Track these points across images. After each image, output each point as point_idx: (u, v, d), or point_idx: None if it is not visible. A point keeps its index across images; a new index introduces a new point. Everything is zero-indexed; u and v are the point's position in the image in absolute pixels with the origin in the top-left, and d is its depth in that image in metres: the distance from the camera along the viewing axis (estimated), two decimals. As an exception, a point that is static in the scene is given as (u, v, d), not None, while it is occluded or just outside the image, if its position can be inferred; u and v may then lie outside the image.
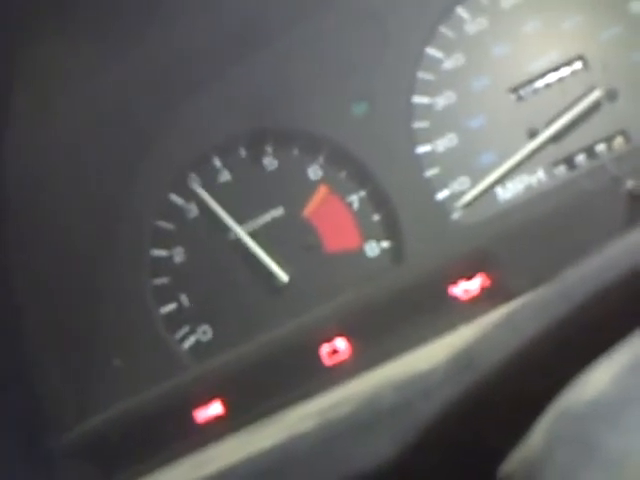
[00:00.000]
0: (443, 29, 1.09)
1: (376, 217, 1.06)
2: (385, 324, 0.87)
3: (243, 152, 1.11)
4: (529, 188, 1.03)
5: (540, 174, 1.04)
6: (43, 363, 0.96)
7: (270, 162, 1.10)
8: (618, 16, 1.05)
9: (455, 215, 1.04)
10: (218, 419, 0.89)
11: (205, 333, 1.07)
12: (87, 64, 0.98)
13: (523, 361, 0.46)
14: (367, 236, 1.06)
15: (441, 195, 1.05)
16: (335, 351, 0.89)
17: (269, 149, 1.10)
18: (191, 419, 0.89)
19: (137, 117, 1.07)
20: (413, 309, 0.87)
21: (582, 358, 0.42)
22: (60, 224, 1.01)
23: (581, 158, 1.03)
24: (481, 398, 0.46)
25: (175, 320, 1.07)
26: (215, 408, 0.89)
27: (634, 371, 0.37)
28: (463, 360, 0.47)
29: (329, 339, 0.89)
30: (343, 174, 1.08)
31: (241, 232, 1.07)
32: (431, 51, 1.09)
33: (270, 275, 1.06)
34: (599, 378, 0.39)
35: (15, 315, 0.94)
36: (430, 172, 1.05)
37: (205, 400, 0.89)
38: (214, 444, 0.82)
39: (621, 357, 0.39)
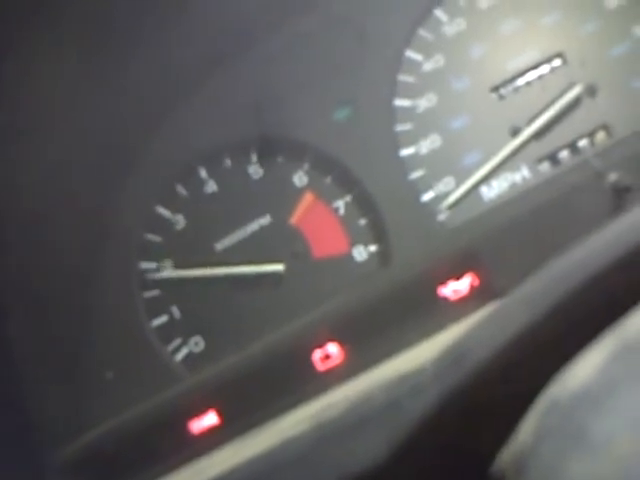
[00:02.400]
0: (422, 31, 1.10)
1: (362, 221, 1.06)
2: (376, 327, 0.87)
3: (228, 162, 1.11)
4: (514, 186, 1.04)
5: (524, 171, 1.04)
6: (36, 379, 0.96)
7: (255, 171, 1.10)
8: (594, 12, 1.06)
9: (441, 216, 1.04)
10: (213, 429, 0.89)
11: (197, 344, 1.07)
12: (73, 80, 0.99)
13: (511, 356, 0.46)
14: (354, 241, 1.06)
15: (426, 197, 1.05)
16: (327, 356, 0.89)
17: (254, 158, 1.11)
18: (186, 430, 0.89)
19: (122, 131, 1.07)
20: (403, 311, 0.87)
21: (569, 350, 0.43)
22: (48, 240, 1.01)
23: (564, 154, 1.04)
24: (470, 394, 0.46)
25: (167, 332, 1.07)
26: (210, 418, 0.89)
27: (617, 359, 0.38)
28: (451, 357, 0.48)
29: (321, 345, 0.89)
30: (328, 180, 1.09)
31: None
32: (411, 54, 1.09)
33: (259, 284, 1.06)
34: (584, 368, 0.39)
35: (6, 332, 0.94)
36: (415, 174, 1.06)
37: (200, 411, 0.89)
38: (210, 453, 0.82)
39: (606, 346, 0.40)
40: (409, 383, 0.48)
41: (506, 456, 0.43)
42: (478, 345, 0.46)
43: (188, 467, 0.82)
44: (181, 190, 1.11)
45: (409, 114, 1.08)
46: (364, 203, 1.06)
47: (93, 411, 0.99)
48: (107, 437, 0.90)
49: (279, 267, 1.06)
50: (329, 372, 0.88)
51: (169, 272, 1.09)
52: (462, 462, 0.46)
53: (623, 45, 1.05)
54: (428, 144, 1.07)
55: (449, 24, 1.09)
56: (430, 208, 1.05)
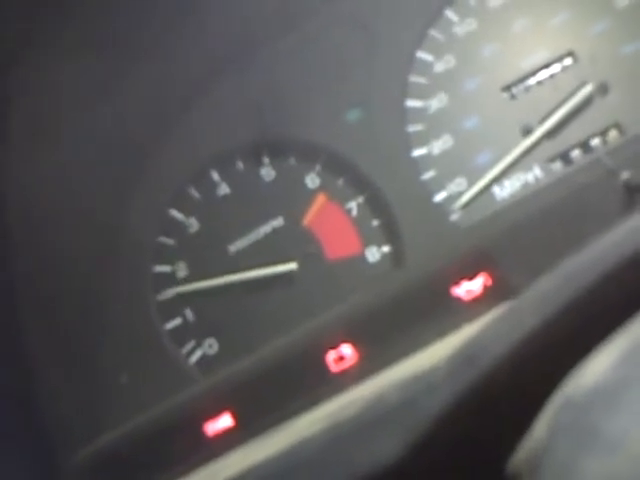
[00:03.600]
0: (433, 32, 1.10)
1: (375, 222, 1.07)
2: (390, 328, 0.87)
3: (240, 164, 1.12)
4: (526, 185, 1.04)
5: (536, 171, 1.04)
6: (52, 383, 0.96)
7: (268, 173, 1.11)
8: (605, 10, 1.06)
9: (454, 216, 1.04)
10: (228, 431, 0.89)
11: (211, 346, 1.07)
12: (85, 84, 0.99)
13: (524, 355, 0.46)
14: (367, 241, 1.06)
15: (439, 197, 1.05)
16: (341, 357, 0.89)
17: (266, 160, 1.11)
18: (201, 432, 0.89)
19: (134, 135, 1.08)
20: (417, 312, 0.87)
21: (583, 348, 0.43)
22: (63, 244, 1.02)
23: (576, 153, 1.04)
24: (485, 393, 0.46)
25: (181, 335, 1.08)
26: (225, 420, 0.89)
27: (631, 357, 0.38)
28: (465, 356, 0.47)
29: (335, 346, 0.89)
30: (341, 181, 1.09)
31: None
32: (422, 55, 1.09)
33: (272, 285, 1.06)
34: (598, 365, 0.39)
35: (22, 336, 0.95)
36: (427, 175, 1.06)
37: (215, 413, 0.89)
38: (225, 455, 0.83)
39: (620, 344, 0.40)
40: (423, 382, 0.48)
41: (521, 454, 0.43)
42: (491, 344, 0.46)
43: (203, 469, 0.83)
44: (194, 193, 1.11)
45: (421, 115, 1.08)
46: (377, 204, 1.06)
47: (108, 414, 0.99)
48: (122, 440, 0.90)
49: (292, 267, 1.06)
50: (343, 373, 0.88)
51: (182, 275, 1.09)
52: (477, 460, 0.46)
53: (634, 43, 1.05)
54: (440, 144, 1.07)
55: (460, 24, 1.09)
56: (443, 208, 1.05)
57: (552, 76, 1.06)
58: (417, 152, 1.07)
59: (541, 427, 0.40)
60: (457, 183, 1.05)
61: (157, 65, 1.06)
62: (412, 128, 1.08)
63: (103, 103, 1.02)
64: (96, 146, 1.04)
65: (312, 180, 1.09)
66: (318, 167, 1.09)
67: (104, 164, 1.05)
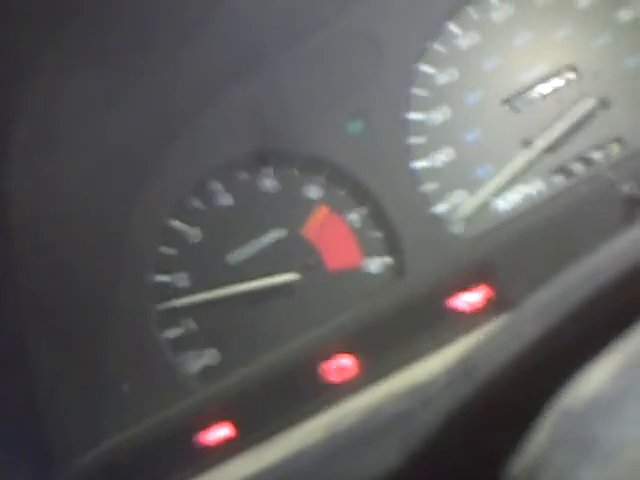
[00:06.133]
0: (435, 45, 1.10)
1: (376, 234, 1.07)
2: (390, 340, 0.88)
3: (243, 175, 1.12)
4: (527, 198, 1.04)
5: (538, 184, 1.04)
6: (51, 391, 0.96)
7: (270, 183, 1.11)
8: (607, 25, 1.06)
9: (454, 228, 1.05)
10: (228, 441, 0.89)
11: (213, 357, 1.07)
12: (88, 98, 0.99)
13: (522, 366, 0.46)
14: (368, 253, 1.07)
15: (440, 209, 1.05)
16: (341, 368, 0.89)
17: (268, 171, 1.11)
18: (201, 442, 0.90)
19: (137, 145, 1.08)
20: (417, 323, 0.87)
21: (581, 359, 0.43)
22: (64, 254, 1.02)
23: (578, 166, 1.04)
24: (482, 405, 0.46)
25: (182, 345, 1.08)
26: (224, 430, 0.89)
27: (629, 368, 0.38)
28: (463, 368, 0.48)
29: (335, 356, 0.89)
30: (343, 193, 1.09)
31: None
32: (424, 67, 1.10)
33: (273, 296, 1.07)
34: (597, 376, 0.39)
35: (23, 344, 0.95)
36: (428, 187, 1.06)
37: (214, 423, 0.89)
38: (225, 465, 0.83)
39: (619, 354, 0.40)
40: (421, 394, 0.49)
41: (518, 465, 0.43)
42: (490, 356, 0.46)
43: (202, 479, 0.83)
44: (196, 203, 1.12)
45: (422, 127, 1.08)
46: (378, 216, 1.06)
47: (109, 423, 0.99)
48: (122, 448, 0.90)
49: (293, 278, 1.06)
50: (342, 384, 0.88)
51: (183, 285, 1.10)
52: (475, 472, 0.46)
53: (636, 58, 1.05)
54: (441, 157, 1.07)
55: (463, 37, 1.10)
56: (443, 220, 1.05)
57: (554, 90, 1.06)
58: (418, 164, 1.07)
59: (539, 437, 0.41)
60: (458, 195, 1.06)
61: (160, 77, 1.06)
62: (413, 140, 1.08)
63: (106, 115, 1.03)
64: (98, 157, 1.04)
65: (314, 191, 1.10)
66: (321, 178, 1.10)
67: (106, 175, 1.06)
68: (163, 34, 1.03)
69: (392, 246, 1.05)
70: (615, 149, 1.03)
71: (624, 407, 0.36)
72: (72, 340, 1.03)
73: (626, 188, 0.85)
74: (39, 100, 0.95)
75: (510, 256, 0.87)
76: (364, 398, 0.77)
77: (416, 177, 1.06)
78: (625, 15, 1.06)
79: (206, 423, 0.90)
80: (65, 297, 1.03)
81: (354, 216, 1.08)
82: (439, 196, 1.06)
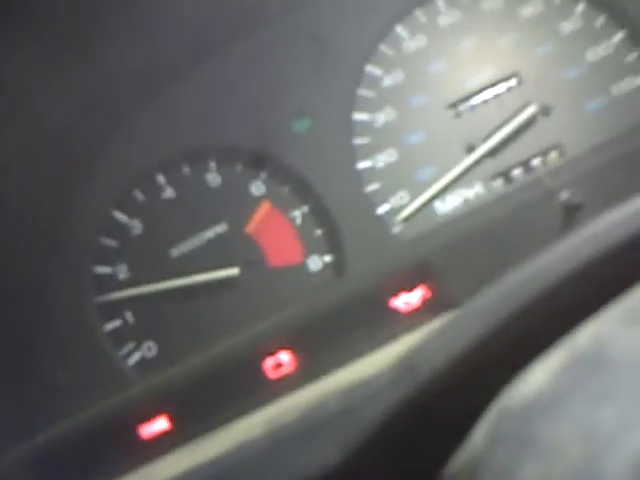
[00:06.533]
0: (382, 47, 1.11)
1: (318, 232, 1.07)
2: (328, 337, 0.88)
3: (186, 169, 1.11)
4: (467, 201, 1.06)
5: (478, 188, 1.06)
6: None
7: (213, 178, 1.11)
8: (550, 35, 1.08)
9: (395, 229, 1.06)
10: (164, 434, 0.89)
11: (150, 349, 1.06)
12: (31, 81, 0.98)
13: (463, 365, 0.47)
14: (310, 250, 1.07)
15: (381, 209, 1.06)
16: (279, 364, 0.89)
17: (212, 165, 1.11)
18: (137, 435, 0.89)
19: (81, 132, 1.07)
20: (356, 321, 0.88)
21: (520, 362, 0.44)
22: (2, 242, 1.01)
23: (517, 172, 1.06)
24: (424, 402, 0.47)
25: (120, 337, 1.07)
26: (161, 423, 0.89)
27: (570, 368, 0.39)
28: (405, 366, 0.48)
29: (273, 352, 0.89)
30: (286, 190, 1.09)
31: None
32: (371, 68, 1.11)
33: (214, 290, 1.07)
34: (536, 377, 0.40)
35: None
36: (370, 187, 1.07)
37: (151, 416, 0.89)
38: (161, 458, 0.82)
39: (556, 357, 0.41)
40: (363, 391, 0.49)
41: (458, 462, 0.44)
42: (432, 354, 0.47)
43: (138, 472, 0.82)
44: (139, 195, 1.11)
45: (367, 128, 1.09)
46: (320, 214, 1.07)
47: (44, 414, 0.98)
48: (58, 440, 0.89)
49: (234, 272, 1.06)
50: (280, 380, 0.89)
51: (123, 277, 1.09)
52: (415, 468, 0.47)
53: (577, 68, 1.07)
54: (385, 158, 1.08)
55: (410, 40, 1.11)
56: (385, 221, 1.06)
57: (497, 96, 1.08)
58: (362, 164, 1.08)
59: (479, 435, 0.42)
60: (400, 196, 1.07)
61: (107, 66, 1.05)
62: (358, 141, 1.09)
63: (50, 99, 1.01)
64: (41, 146, 1.03)
65: (257, 187, 1.10)
66: (264, 175, 1.10)
67: (49, 164, 1.04)
68: (110, 21, 1.02)
69: (333, 244, 1.06)
70: (554, 156, 1.05)
71: (565, 405, 0.37)
72: (7, 328, 1.01)
73: (564, 195, 0.87)
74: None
75: (449, 258, 0.88)
76: (305, 394, 0.78)
77: (359, 177, 1.07)
78: (566, 27, 1.09)
79: (143, 416, 0.89)
80: (1, 285, 1.01)
81: (297, 213, 1.08)
82: (382, 197, 1.07)
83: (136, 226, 1.10)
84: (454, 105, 1.08)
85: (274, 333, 0.91)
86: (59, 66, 1.00)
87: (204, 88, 1.13)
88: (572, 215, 0.86)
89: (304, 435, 0.51)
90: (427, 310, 0.88)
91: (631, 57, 1.07)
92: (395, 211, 1.06)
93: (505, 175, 1.06)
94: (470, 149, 1.06)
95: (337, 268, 1.06)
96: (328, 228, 1.07)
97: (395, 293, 0.89)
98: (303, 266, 1.07)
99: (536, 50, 1.08)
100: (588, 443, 0.34)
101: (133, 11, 1.03)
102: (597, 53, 1.08)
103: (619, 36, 1.08)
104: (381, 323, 0.87)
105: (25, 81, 0.98)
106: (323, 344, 0.88)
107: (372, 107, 1.10)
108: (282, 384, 0.86)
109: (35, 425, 0.92)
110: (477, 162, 1.06)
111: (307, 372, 0.86)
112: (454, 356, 0.46)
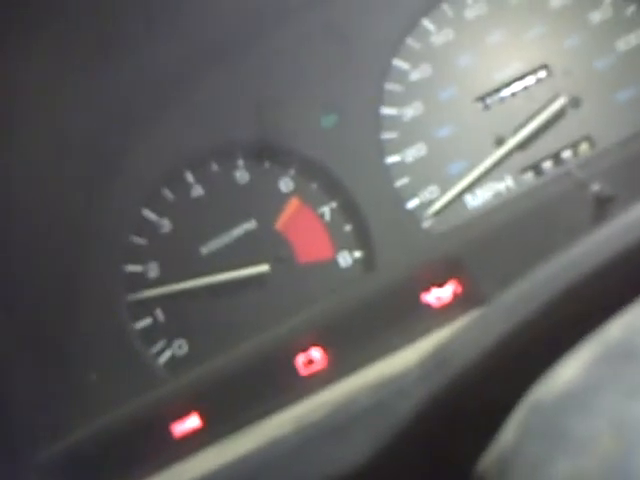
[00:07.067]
0: (409, 41, 1.11)
1: (347, 227, 1.07)
2: (359, 333, 0.88)
3: (215, 166, 1.12)
4: (498, 195, 1.05)
5: (508, 181, 1.05)
6: (18, 380, 0.95)
7: (242, 175, 1.11)
8: (579, 26, 1.07)
9: (425, 223, 1.05)
10: (196, 432, 0.89)
11: (181, 347, 1.07)
12: (60, 80, 0.98)
13: (494, 360, 0.46)
14: (339, 246, 1.07)
15: (411, 204, 1.06)
16: (311, 361, 0.89)
17: (240, 163, 1.11)
18: (169, 433, 0.89)
19: (109, 133, 1.07)
20: (386, 317, 0.88)
21: (552, 355, 0.43)
22: (33, 243, 1.01)
23: (548, 164, 1.05)
24: (455, 397, 0.47)
25: (151, 335, 1.07)
26: (192, 421, 0.89)
27: (600, 362, 0.38)
28: (436, 361, 0.48)
29: (304, 349, 0.89)
30: (314, 186, 1.09)
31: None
32: (398, 63, 1.10)
33: (244, 288, 1.07)
34: (567, 371, 0.40)
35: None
36: (400, 182, 1.07)
37: (182, 414, 0.89)
38: (192, 456, 0.83)
39: (587, 351, 0.40)
40: (393, 386, 0.49)
41: (489, 457, 0.43)
42: (463, 349, 0.47)
43: (170, 470, 0.83)
44: (167, 194, 1.11)
45: (395, 122, 1.09)
46: (349, 209, 1.07)
47: (76, 413, 0.99)
48: (90, 439, 0.90)
49: (264, 269, 1.06)
50: (312, 376, 0.88)
51: (154, 275, 1.09)
52: (446, 464, 0.47)
53: (607, 58, 1.06)
54: (414, 152, 1.07)
55: (437, 34, 1.10)
56: (414, 215, 1.06)
57: (526, 88, 1.07)
58: (390, 159, 1.07)
59: (510, 430, 0.41)
60: (430, 191, 1.06)
61: (133, 65, 1.05)
62: (386, 135, 1.08)
63: (79, 101, 1.02)
64: (71, 144, 1.03)
65: (286, 184, 1.10)
66: (292, 171, 1.10)
67: (79, 162, 1.05)
68: (134, 21, 1.02)
69: (363, 240, 1.06)
70: (584, 148, 1.04)
71: (595, 400, 0.36)
72: (41, 329, 1.02)
73: (594, 187, 0.86)
74: (5, 84, 0.93)
75: (479, 252, 0.88)
76: (336, 390, 0.78)
77: (388, 172, 1.07)
78: (595, 17, 1.07)
79: (174, 414, 0.89)
80: (33, 285, 1.02)
81: (325, 209, 1.08)
82: (411, 191, 1.06)
83: (165, 224, 1.10)
84: (483, 98, 1.08)
85: (305, 330, 0.91)
86: (90, 68, 1.01)
87: (231, 86, 1.13)
88: (603, 207, 0.85)
89: (335, 431, 0.50)
90: (458, 305, 0.87)
91: (663, 46, 1.06)
92: (425, 205, 1.06)
93: (535, 168, 1.05)
94: (500, 142, 1.06)
95: (367, 263, 1.06)
96: (357, 223, 1.07)
97: (425, 288, 0.88)
98: (333, 262, 1.07)
99: (565, 41, 1.07)
100: (621, 437, 0.33)
101: (159, 11, 1.04)
102: (628, 42, 1.06)
103: (650, 25, 1.06)
104: (411, 318, 0.87)
105: (57, 83, 0.98)
106: (354, 340, 0.88)
107: (400, 101, 1.09)
108: (313, 381, 0.86)
109: (68, 424, 0.93)
110: (507, 155, 1.05)
111: (338, 368, 0.86)
112: (485, 351, 0.46)
